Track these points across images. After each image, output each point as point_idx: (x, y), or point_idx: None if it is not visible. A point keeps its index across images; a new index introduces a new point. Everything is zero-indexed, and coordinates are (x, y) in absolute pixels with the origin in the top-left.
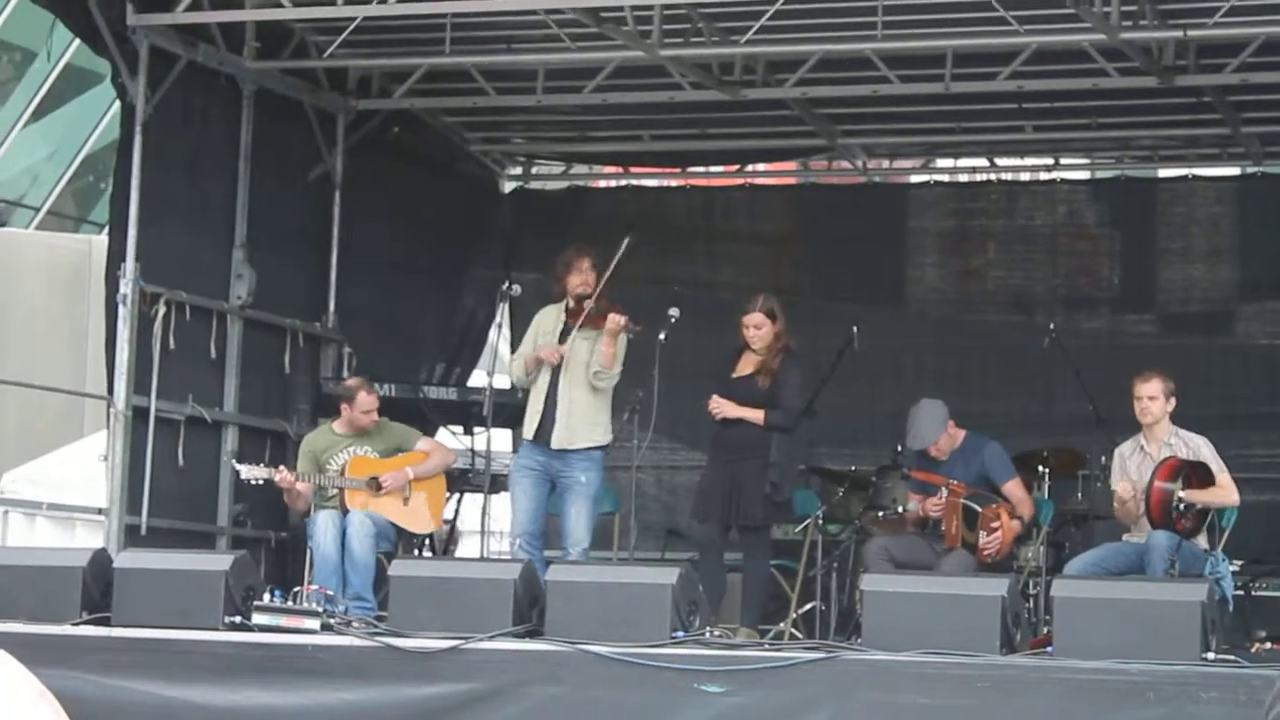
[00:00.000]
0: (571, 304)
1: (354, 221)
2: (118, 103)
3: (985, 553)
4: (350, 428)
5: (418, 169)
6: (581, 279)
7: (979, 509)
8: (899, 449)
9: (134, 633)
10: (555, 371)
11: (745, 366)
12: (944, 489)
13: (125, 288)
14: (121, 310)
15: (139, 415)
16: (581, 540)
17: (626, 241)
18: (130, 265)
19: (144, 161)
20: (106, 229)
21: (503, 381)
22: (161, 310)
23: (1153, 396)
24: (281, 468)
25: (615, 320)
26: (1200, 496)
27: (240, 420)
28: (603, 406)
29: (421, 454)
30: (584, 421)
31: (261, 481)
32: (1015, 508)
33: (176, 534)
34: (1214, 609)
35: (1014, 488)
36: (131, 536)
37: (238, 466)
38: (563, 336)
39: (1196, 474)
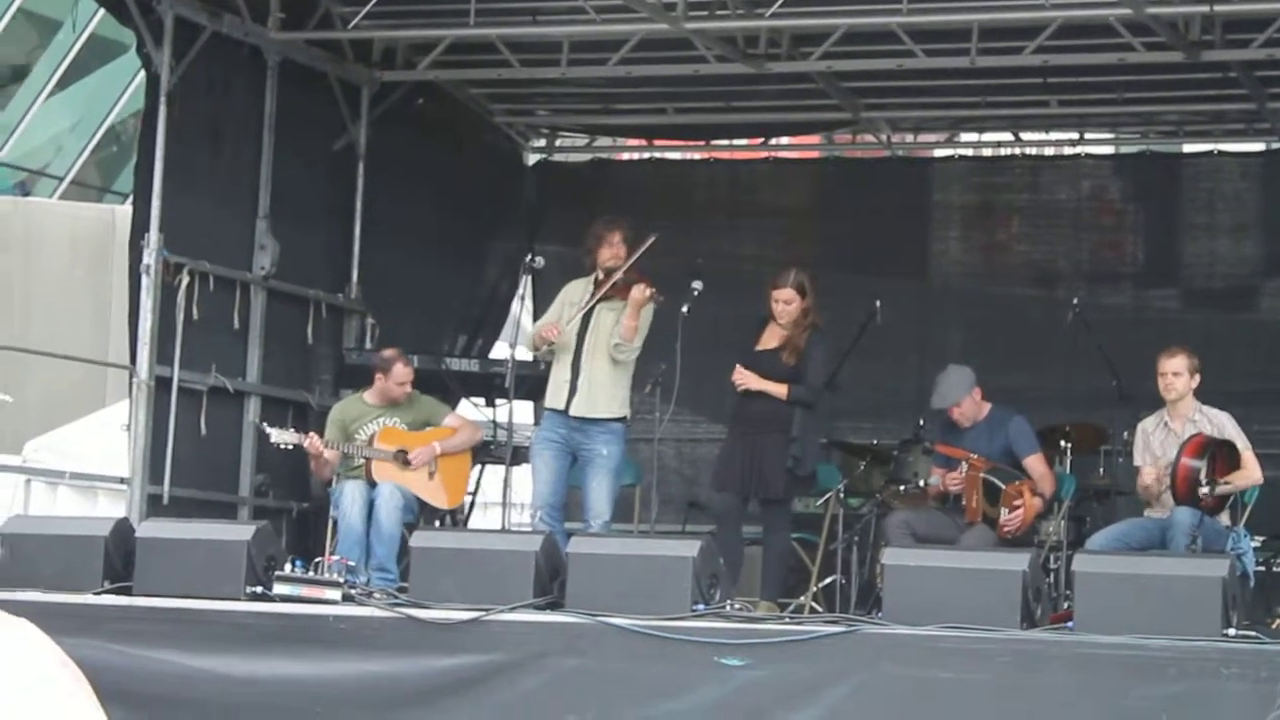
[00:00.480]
0: (601, 276)
1: (377, 193)
2: (142, 73)
3: (1006, 529)
4: (382, 399)
5: (442, 141)
6: (612, 252)
7: (1001, 485)
8: (921, 423)
9: (155, 602)
10: (580, 342)
11: (770, 340)
12: (964, 463)
13: (149, 258)
14: (145, 280)
15: (162, 385)
16: (603, 513)
17: (652, 239)
18: (154, 235)
19: (168, 132)
20: (130, 199)
21: (525, 354)
22: (185, 280)
23: (1177, 373)
24: (311, 434)
25: (640, 289)
26: (1228, 484)
27: (263, 390)
28: (623, 380)
29: (450, 429)
30: (604, 393)
31: (290, 446)
32: (1037, 483)
33: (198, 504)
34: (1235, 585)
35: (1036, 462)
36: (154, 506)
37: (268, 429)
38: (589, 310)
39: (1222, 452)
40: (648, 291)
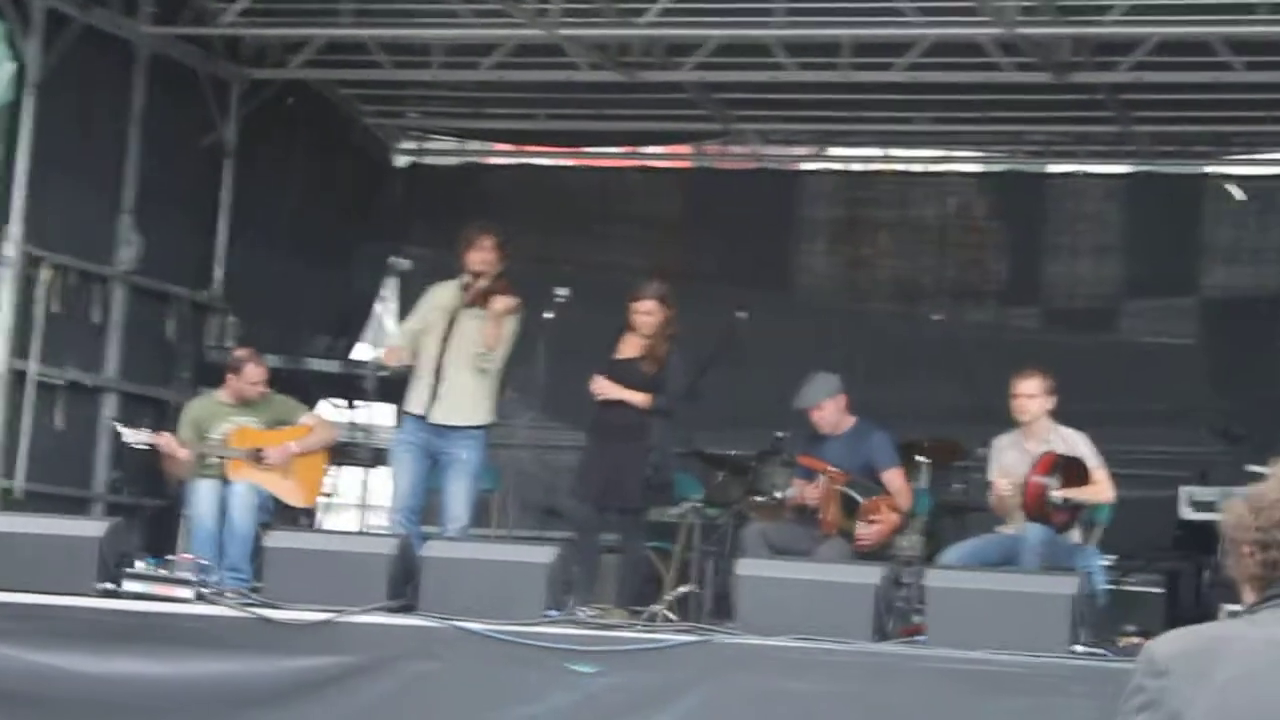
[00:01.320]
0: (468, 281)
1: (245, 191)
2: (10, 64)
3: (862, 543)
4: (235, 398)
5: (311, 140)
6: (482, 256)
7: (860, 499)
8: (779, 435)
9: (4, 597)
10: (442, 347)
11: (629, 350)
12: (823, 476)
13: (9, 250)
14: (5, 273)
15: (17, 378)
16: (461, 517)
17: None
18: (16, 228)
19: (34, 124)
20: None
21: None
22: (46, 274)
23: (1031, 395)
24: (165, 433)
25: (501, 301)
26: (1076, 494)
27: (121, 386)
28: (487, 389)
29: (305, 428)
30: (467, 400)
31: (144, 445)
32: (895, 497)
33: (52, 499)
34: (1084, 602)
35: (894, 476)
36: (6, 500)
37: (121, 429)
38: (453, 314)
39: (1073, 469)
40: (509, 303)
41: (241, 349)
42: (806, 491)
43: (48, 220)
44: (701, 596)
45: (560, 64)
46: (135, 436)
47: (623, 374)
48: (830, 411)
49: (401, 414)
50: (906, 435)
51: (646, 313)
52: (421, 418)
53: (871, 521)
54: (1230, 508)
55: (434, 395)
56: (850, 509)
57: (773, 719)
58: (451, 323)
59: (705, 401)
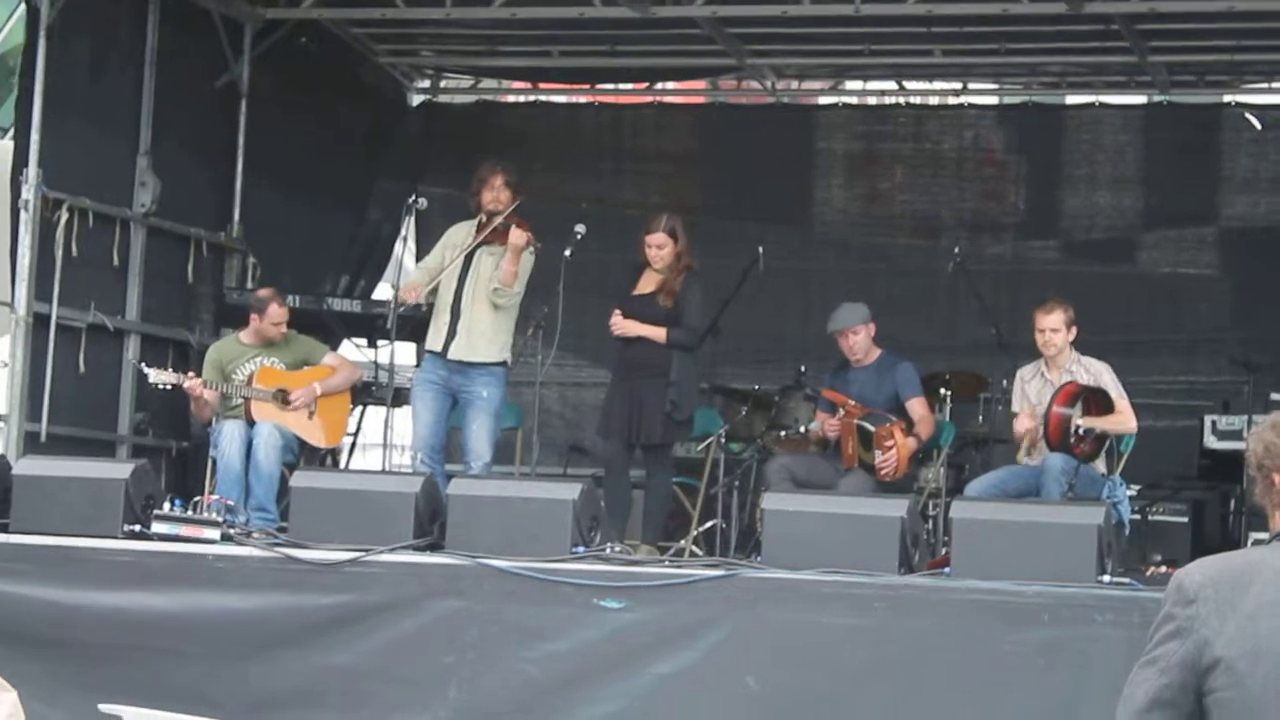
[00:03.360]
0: (484, 219)
1: (260, 131)
2: (23, 6)
3: (883, 471)
4: (258, 339)
5: (325, 80)
6: (494, 195)
7: (873, 429)
8: (802, 369)
9: (32, 540)
10: (460, 285)
11: (646, 285)
12: (842, 409)
13: (27, 193)
14: (24, 216)
15: (40, 322)
16: (483, 454)
17: (517, 203)
18: (33, 171)
19: (48, 66)
20: (10, 134)
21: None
22: (64, 217)
23: (1055, 329)
24: (190, 373)
25: (518, 234)
26: (1098, 423)
27: (142, 329)
28: (504, 325)
29: (329, 369)
30: (484, 337)
31: (169, 387)
32: (917, 425)
33: (77, 441)
34: (1110, 532)
35: (917, 405)
36: (31, 443)
37: (146, 370)
38: (470, 254)
39: (1095, 399)
40: (525, 236)
41: (264, 289)
42: (827, 425)
43: (65, 164)
44: (727, 531)
45: (573, 0)
46: (160, 377)
47: (640, 310)
48: (863, 337)
49: (422, 352)
50: (928, 368)
51: (658, 246)
52: (441, 355)
53: (887, 448)
54: (1258, 435)
55: (452, 333)
56: (867, 441)
57: (799, 652)
58: (468, 261)
59: (726, 337)
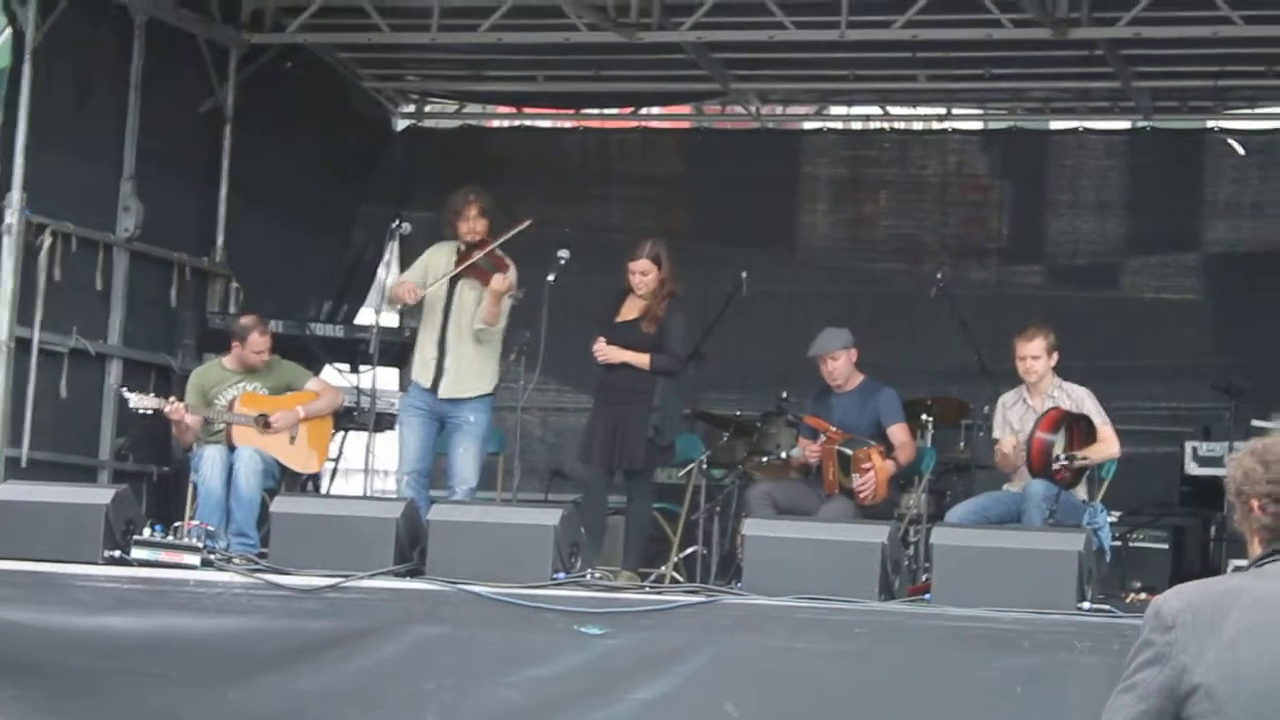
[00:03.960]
0: (462, 249)
1: (245, 156)
2: (8, 30)
3: (862, 495)
4: (240, 365)
5: (310, 105)
6: (469, 226)
7: (851, 453)
8: (784, 394)
9: (12, 565)
10: (445, 318)
11: (630, 311)
12: (823, 435)
13: (11, 217)
14: (6, 240)
15: (22, 346)
16: (469, 479)
17: (526, 224)
18: (16, 195)
19: (33, 90)
20: None
21: (390, 320)
22: (48, 241)
23: (1035, 355)
24: (172, 398)
25: (498, 281)
26: (1085, 453)
27: (125, 354)
28: (490, 356)
29: (311, 393)
30: (471, 372)
31: (150, 411)
32: (898, 451)
33: (57, 467)
34: (1091, 559)
35: (898, 430)
36: (12, 469)
37: (127, 395)
38: (453, 281)
39: (1078, 426)
40: (505, 283)
41: (246, 316)
42: (808, 451)
43: (48, 188)
44: (708, 557)
45: (558, 25)
46: (142, 402)
47: (624, 336)
48: (843, 362)
49: (406, 379)
50: (911, 394)
51: (642, 273)
52: (429, 390)
53: (864, 470)
54: (1237, 461)
55: (440, 370)
56: (845, 465)
57: (780, 678)
58: (450, 292)
59: (709, 362)
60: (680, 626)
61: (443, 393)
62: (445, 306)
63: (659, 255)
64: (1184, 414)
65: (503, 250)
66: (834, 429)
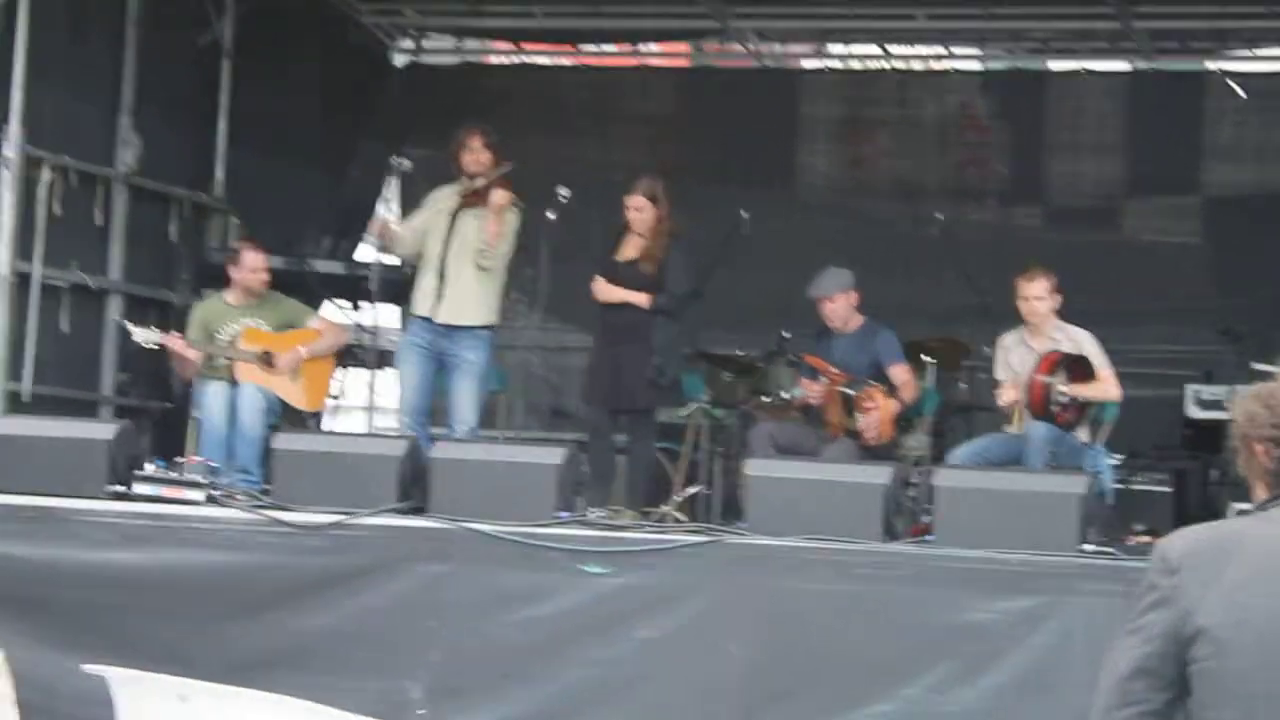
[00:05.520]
0: (465, 182)
1: (243, 91)
2: None
3: (867, 434)
4: (242, 296)
5: (308, 39)
6: (473, 156)
7: (855, 394)
8: (785, 334)
9: (14, 500)
10: (445, 247)
11: (629, 250)
12: (824, 377)
13: (9, 151)
14: (5, 174)
15: (22, 281)
16: (469, 418)
17: (508, 166)
18: (15, 129)
19: (30, 25)
20: None
21: (390, 256)
22: (46, 176)
23: (1039, 296)
24: (174, 332)
25: (500, 194)
26: (1080, 390)
27: (125, 288)
28: (491, 288)
29: (315, 331)
30: (471, 299)
31: (153, 344)
32: (900, 390)
33: (59, 401)
34: (1093, 501)
35: (900, 371)
36: (13, 403)
37: (131, 328)
38: (454, 216)
39: (1077, 368)
40: (507, 196)
41: (237, 241)
42: (811, 390)
43: (46, 122)
44: (710, 497)
45: None
46: (145, 336)
47: (623, 275)
48: (842, 305)
49: (407, 315)
50: (911, 334)
51: (637, 209)
52: (427, 319)
53: (868, 409)
54: (1241, 405)
55: (439, 296)
56: (849, 407)
57: (781, 619)
58: (452, 223)
59: (710, 302)
60: (683, 566)
61: (442, 317)
62: (445, 237)
63: (655, 192)
64: (1185, 357)
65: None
66: (835, 370)
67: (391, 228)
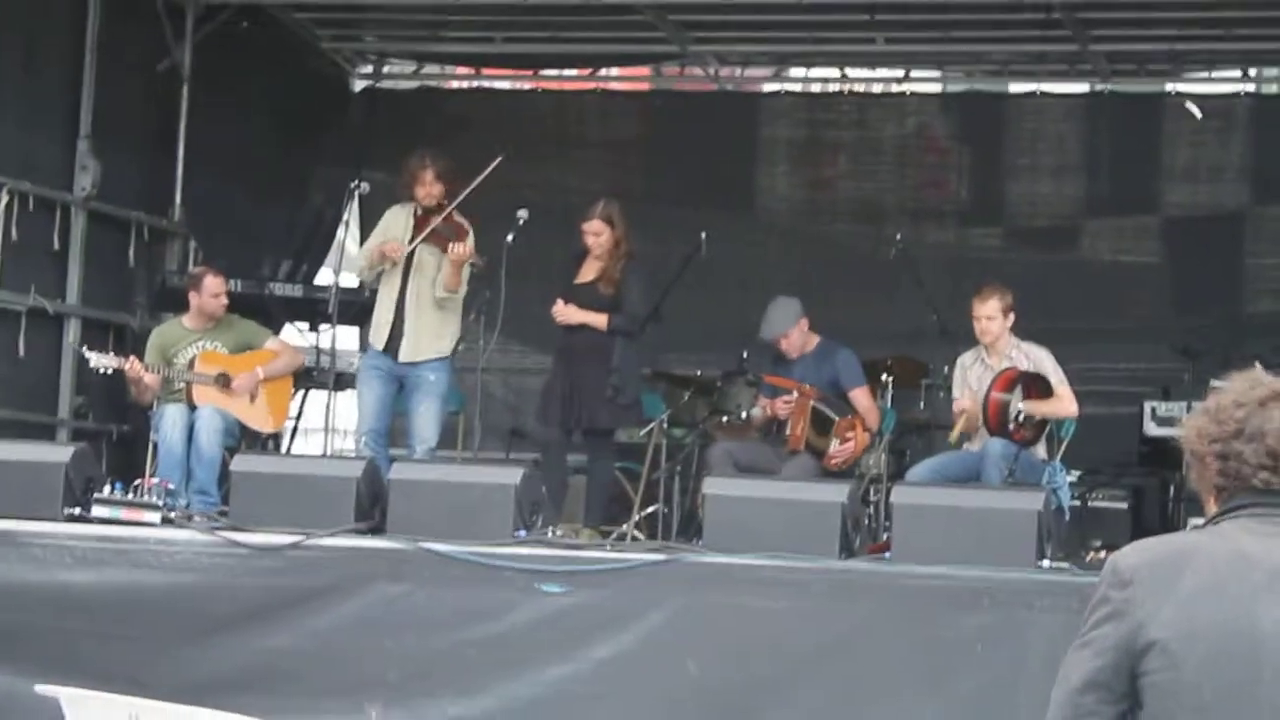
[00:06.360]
0: (419, 212)
1: (202, 116)
2: None
3: (834, 460)
4: (200, 320)
5: (267, 65)
6: (426, 190)
7: (834, 416)
8: (745, 354)
9: None
10: (404, 281)
11: (588, 273)
12: (795, 391)
13: None
14: None
15: None
16: (429, 439)
17: (498, 160)
18: None
19: None
20: None
21: (349, 279)
22: (4, 200)
23: (990, 316)
24: (132, 357)
25: (456, 251)
26: (1038, 408)
27: (83, 313)
28: (450, 319)
29: (271, 353)
30: (430, 336)
31: (110, 370)
32: (863, 415)
33: (16, 425)
34: (1050, 518)
35: (861, 395)
36: None
37: (87, 354)
38: (411, 252)
39: (1035, 385)
40: (463, 251)
41: (198, 266)
42: (777, 404)
43: (4, 147)
44: (669, 516)
45: None
46: (101, 361)
47: (581, 297)
48: (796, 336)
49: (365, 338)
50: (870, 354)
51: (595, 234)
52: (387, 353)
53: (846, 439)
54: (1190, 420)
55: (397, 333)
56: (823, 425)
57: (740, 637)
58: (410, 261)
59: (669, 323)
60: (641, 585)
61: (401, 357)
62: (404, 270)
63: (611, 215)
64: (1143, 375)
65: (463, 210)
66: (808, 386)
67: (396, 249)
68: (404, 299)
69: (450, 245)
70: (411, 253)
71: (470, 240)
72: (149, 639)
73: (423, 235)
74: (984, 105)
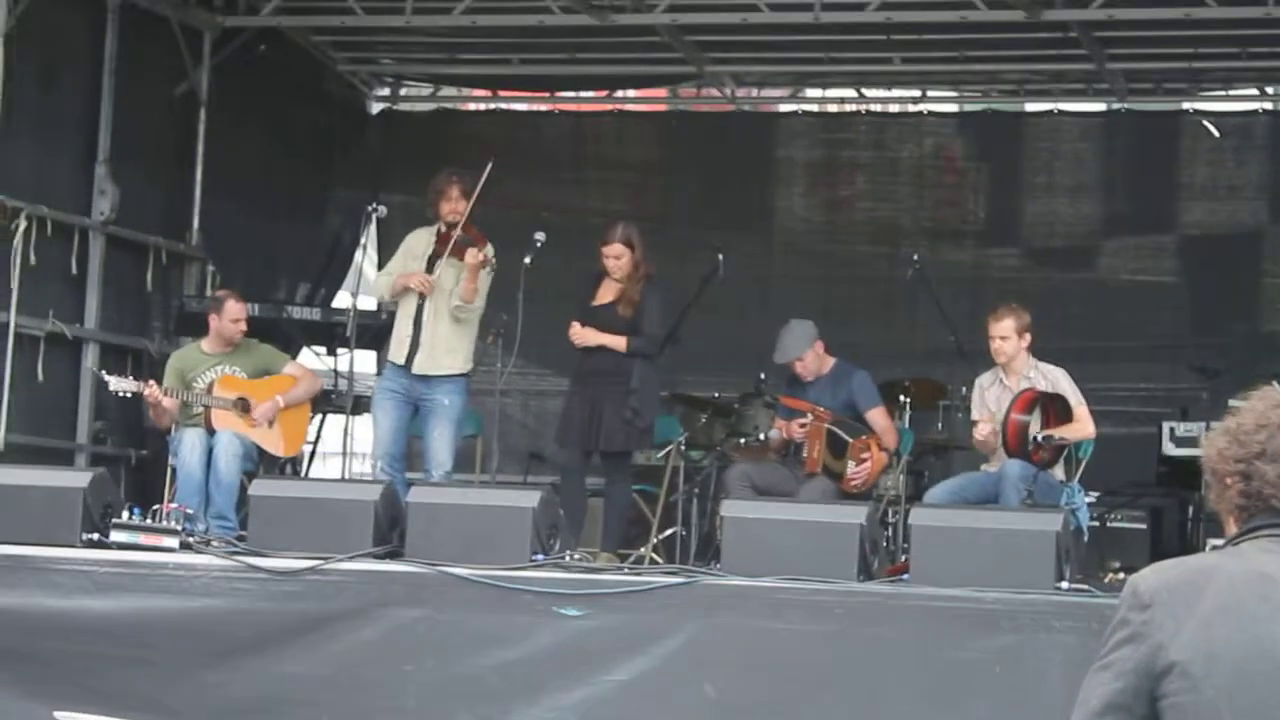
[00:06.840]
0: (442, 229)
1: (219, 140)
2: None
3: (853, 483)
4: (219, 344)
5: (284, 88)
6: (451, 206)
7: (849, 439)
8: (762, 376)
9: None
10: (422, 297)
11: (606, 295)
12: (810, 414)
13: None
14: None
15: None
16: (444, 462)
17: (490, 165)
18: None
19: (7, 74)
20: None
21: (367, 303)
22: (22, 225)
23: (1004, 336)
24: (151, 381)
25: (473, 255)
26: (1058, 432)
27: (101, 337)
28: (466, 335)
29: (290, 379)
30: (446, 350)
31: (129, 394)
32: (880, 436)
33: (35, 450)
34: (1069, 539)
35: (878, 415)
36: None
37: (106, 378)
38: (431, 262)
39: (1053, 406)
40: (481, 256)
41: (220, 290)
42: (792, 427)
43: (22, 171)
44: (687, 539)
45: (533, 8)
46: (121, 385)
47: (599, 319)
48: (811, 359)
49: (383, 361)
50: (888, 375)
51: (615, 256)
52: (403, 367)
53: (862, 460)
54: (1210, 440)
55: (415, 346)
56: (838, 448)
57: (758, 659)
58: (429, 273)
59: (686, 344)
60: (659, 608)
61: (416, 368)
62: None
63: (630, 238)
64: (1161, 395)
65: (479, 226)
66: (822, 408)
67: (426, 283)
68: (421, 314)
69: (468, 250)
70: (430, 271)
71: (489, 247)
72: (168, 664)
73: (448, 248)
74: (1001, 125)
